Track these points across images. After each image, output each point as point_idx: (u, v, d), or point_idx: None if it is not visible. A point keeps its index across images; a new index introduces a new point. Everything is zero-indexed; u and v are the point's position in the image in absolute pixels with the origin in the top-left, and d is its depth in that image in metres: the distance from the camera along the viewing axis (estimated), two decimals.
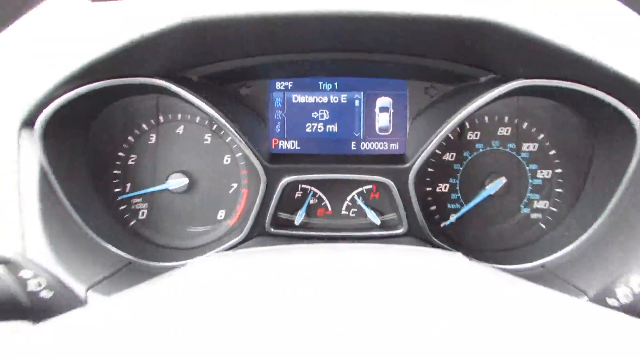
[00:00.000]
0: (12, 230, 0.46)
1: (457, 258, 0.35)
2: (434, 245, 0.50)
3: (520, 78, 0.51)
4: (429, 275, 0.31)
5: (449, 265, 0.35)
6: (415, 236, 0.50)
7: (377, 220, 0.49)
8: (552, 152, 0.52)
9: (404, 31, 0.45)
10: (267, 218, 0.49)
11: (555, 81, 0.52)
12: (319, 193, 0.52)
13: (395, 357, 0.23)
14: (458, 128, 0.50)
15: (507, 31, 0.44)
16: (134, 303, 0.29)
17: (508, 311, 0.29)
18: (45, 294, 0.38)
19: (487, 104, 0.51)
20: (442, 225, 0.52)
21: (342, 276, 0.31)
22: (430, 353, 0.24)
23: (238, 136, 0.47)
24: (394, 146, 0.51)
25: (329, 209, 0.52)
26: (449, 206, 0.53)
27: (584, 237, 0.54)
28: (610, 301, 0.43)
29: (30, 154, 0.53)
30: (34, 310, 0.38)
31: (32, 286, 0.37)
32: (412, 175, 0.52)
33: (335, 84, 0.49)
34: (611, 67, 0.46)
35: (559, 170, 0.53)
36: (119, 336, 0.27)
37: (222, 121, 0.51)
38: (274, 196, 0.49)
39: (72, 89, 0.53)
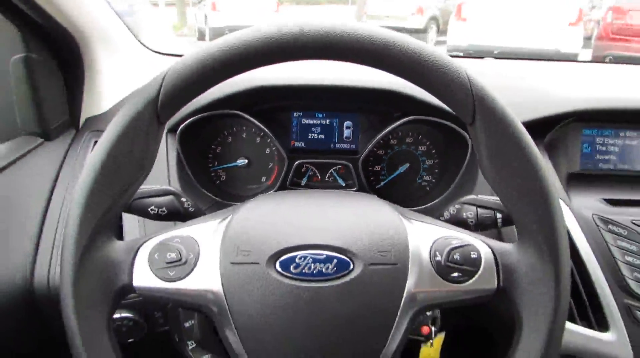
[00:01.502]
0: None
1: (372, 196, 0.61)
2: None
3: (409, 115, 0.85)
4: (354, 200, 0.70)
5: (365, 197, 0.61)
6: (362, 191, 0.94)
7: (342, 183, 0.94)
8: (433, 151, 0.97)
9: (355, 93, 0.89)
10: (287, 181, 0.93)
11: (420, 116, 0.83)
12: (314, 170, 0.96)
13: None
14: (382, 139, 0.93)
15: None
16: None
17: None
18: (192, 209, 0.79)
19: (395, 128, 0.85)
20: (376, 187, 0.97)
21: (317, 202, 0.57)
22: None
23: (275, 141, 0.92)
24: (352, 146, 0.95)
25: (319, 177, 0.96)
26: (380, 178, 0.98)
27: (444, 194, 0.92)
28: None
29: (172, 150, 0.85)
30: (186, 217, 0.76)
31: (186, 205, 0.78)
32: (360, 160, 0.88)
33: (324, 114, 0.94)
34: (434, 103, 0.78)
35: (436, 160, 0.97)
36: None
37: (269, 133, 0.88)
38: (291, 170, 0.94)
39: (205, 112, 0.85)
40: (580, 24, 6.67)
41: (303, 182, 0.93)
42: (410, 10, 9.55)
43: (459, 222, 0.64)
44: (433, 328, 0.69)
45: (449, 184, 0.87)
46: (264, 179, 0.96)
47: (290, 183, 0.91)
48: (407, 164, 0.92)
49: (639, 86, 0.92)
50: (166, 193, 0.64)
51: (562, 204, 0.67)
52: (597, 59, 7.05)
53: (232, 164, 0.94)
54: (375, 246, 0.51)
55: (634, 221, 0.66)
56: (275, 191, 0.90)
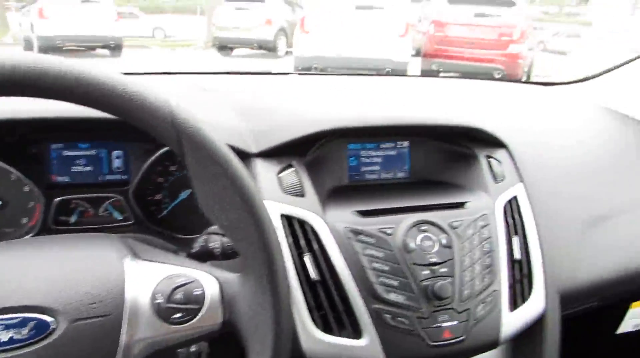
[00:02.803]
0: None
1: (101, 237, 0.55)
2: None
3: None
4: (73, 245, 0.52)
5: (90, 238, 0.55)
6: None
7: (119, 216, 0.87)
8: None
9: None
10: (49, 221, 0.83)
11: None
12: (85, 205, 0.84)
13: None
14: (157, 166, 0.84)
15: None
16: None
17: None
18: None
19: (163, 153, 0.81)
20: (159, 216, 0.91)
21: (20, 254, 0.50)
22: None
23: (24, 178, 0.77)
24: (124, 177, 0.85)
25: (91, 213, 0.87)
26: (162, 206, 0.91)
27: None
28: None
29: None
30: None
31: None
32: (131, 191, 0.79)
33: (90, 144, 0.87)
34: None
35: None
36: None
37: (10, 169, 0.76)
38: (50, 209, 0.84)
39: None
40: (409, 36, 7.40)
41: (72, 219, 0.83)
42: (258, 21, 9.68)
43: (207, 253, 0.62)
44: None
45: None
46: (25, 220, 0.84)
47: (55, 222, 0.81)
48: (189, 191, 0.89)
49: (408, 100, 1.01)
50: None
51: (317, 218, 0.70)
52: (426, 68, 7.91)
53: None
54: (84, 297, 0.46)
55: (381, 229, 0.71)
56: (36, 233, 0.80)
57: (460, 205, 0.77)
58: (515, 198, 0.80)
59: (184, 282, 0.50)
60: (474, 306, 0.70)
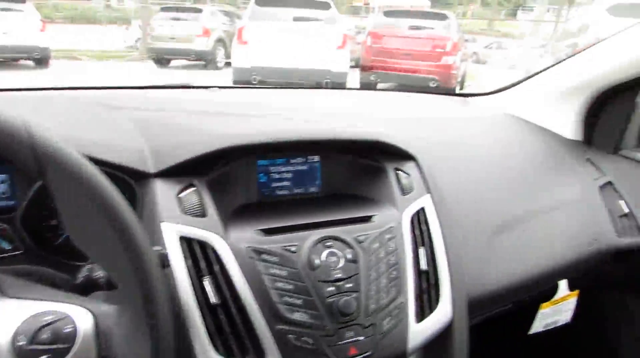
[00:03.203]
0: None
1: None
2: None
3: None
4: None
5: None
6: None
7: (7, 246, 0.80)
8: None
9: None
10: None
11: None
12: None
13: None
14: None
15: None
16: None
17: None
18: None
19: None
20: (55, 243, 0.85)
21: None
22: None
23: None
24: (11, 203, 0.81)
25: None
26: (59, 233, 0.86)
27: None
28: None
29: None
30: None
31: None
32: (18, 218, 0.71)
33: None
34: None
35: None
36: None
37: None
38: None
39: None
40: (347, 47, 7.53)
41: None
42: (195, 32, 9.51)
43: (92, 283, 0.58)
44: None
45: None
46: None
47: None
48: None
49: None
50: None
51: (219, 239, 0.67)
52: (365, 79, 8.08)
53: None
54: None
55: (285, 247, 0.69)
56: None
57: (367, 219, 0.77)
58: (422, 209, 0.81)
59: (52, 320, 0.46)
60: (380, 320, 0.70)
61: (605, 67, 1.09)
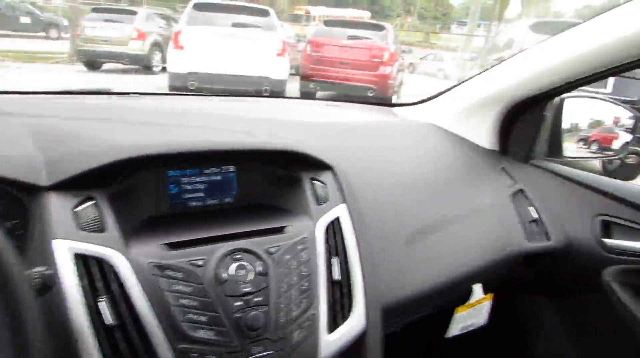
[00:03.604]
0: None
1: None
2: None
3: None
4: None
5: None
6: None
7: None
8: None
9: None
10: None
11: None
12: None
13: None
14: None
15: None
16: None
17: None
18: None
19: None
20: None
21: None
22: None
23: None
24: None
25: None
26: None
27: None
28: None
29: None
30: None
31: None
32: None
33: None
34: None
35: None
36: None
37: None
38: None
39: None
40: (286, 55, 7.54)
41: None
42: (129, 35, 9.16)
43: None
44: None
45: None
46: None
47: None
48: None
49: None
50: None
51: (118, 255, 0.63)
52: (304, 88, 8.13)
53: None
54: None
55: (190, 262, 0.66)
56: None
57: (279, 230, 0.75)
58: (337, 219, 0.81)
59: None
60: (290, 332, 0.68)
61: (517, 80, 1.14)
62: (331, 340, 0.72)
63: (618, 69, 0.97)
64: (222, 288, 0.65)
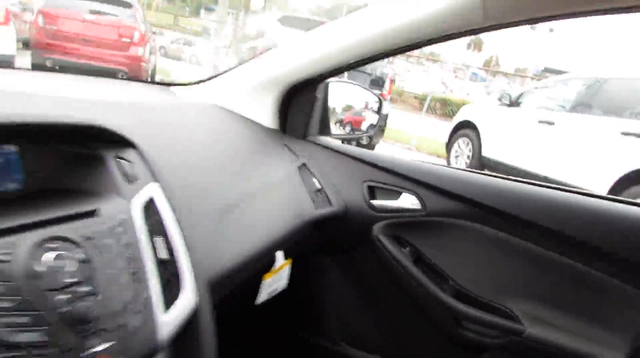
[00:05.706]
0: None
1: None
2: None
3: None
4: None
5: None
6: None
7: None
8: None
9: None
10: None
11: None
12: None
13: None
14: None
15: None
16: None
17: None
18: None
19: None
20: None
21: None
22: None
23: None
24: None
25: None
26: None
27: None
28: None
29: None
30: None
31: None
32: None
33: None
34: None
35: None
36: None
37: None
38: None
39: None
40: (11, 25, 6.31)
41: None
42: None
43: None
44: None
45: None
46: None
47: None
48: None
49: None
50: None
51: None
52: (38, 62, 6.98)
53: None
54: None
55: None
56: None
57: (91, 213, 0.69)
58: (152, 199, 0.78)
59: None
60: (125, 319, 0.64)
61: (291, 66, 1.28)
62: (167, 320, 0.70)
63: (363, 62, 1.21)
64: (39, 282, 0.57)
